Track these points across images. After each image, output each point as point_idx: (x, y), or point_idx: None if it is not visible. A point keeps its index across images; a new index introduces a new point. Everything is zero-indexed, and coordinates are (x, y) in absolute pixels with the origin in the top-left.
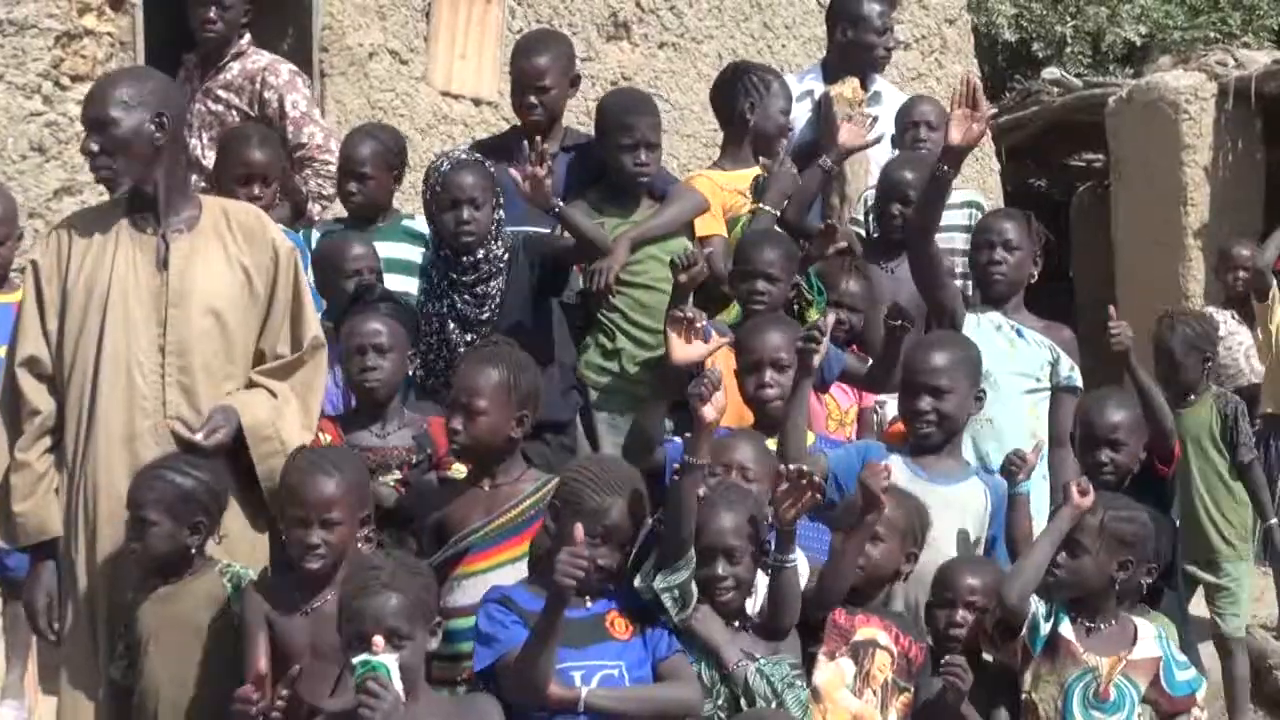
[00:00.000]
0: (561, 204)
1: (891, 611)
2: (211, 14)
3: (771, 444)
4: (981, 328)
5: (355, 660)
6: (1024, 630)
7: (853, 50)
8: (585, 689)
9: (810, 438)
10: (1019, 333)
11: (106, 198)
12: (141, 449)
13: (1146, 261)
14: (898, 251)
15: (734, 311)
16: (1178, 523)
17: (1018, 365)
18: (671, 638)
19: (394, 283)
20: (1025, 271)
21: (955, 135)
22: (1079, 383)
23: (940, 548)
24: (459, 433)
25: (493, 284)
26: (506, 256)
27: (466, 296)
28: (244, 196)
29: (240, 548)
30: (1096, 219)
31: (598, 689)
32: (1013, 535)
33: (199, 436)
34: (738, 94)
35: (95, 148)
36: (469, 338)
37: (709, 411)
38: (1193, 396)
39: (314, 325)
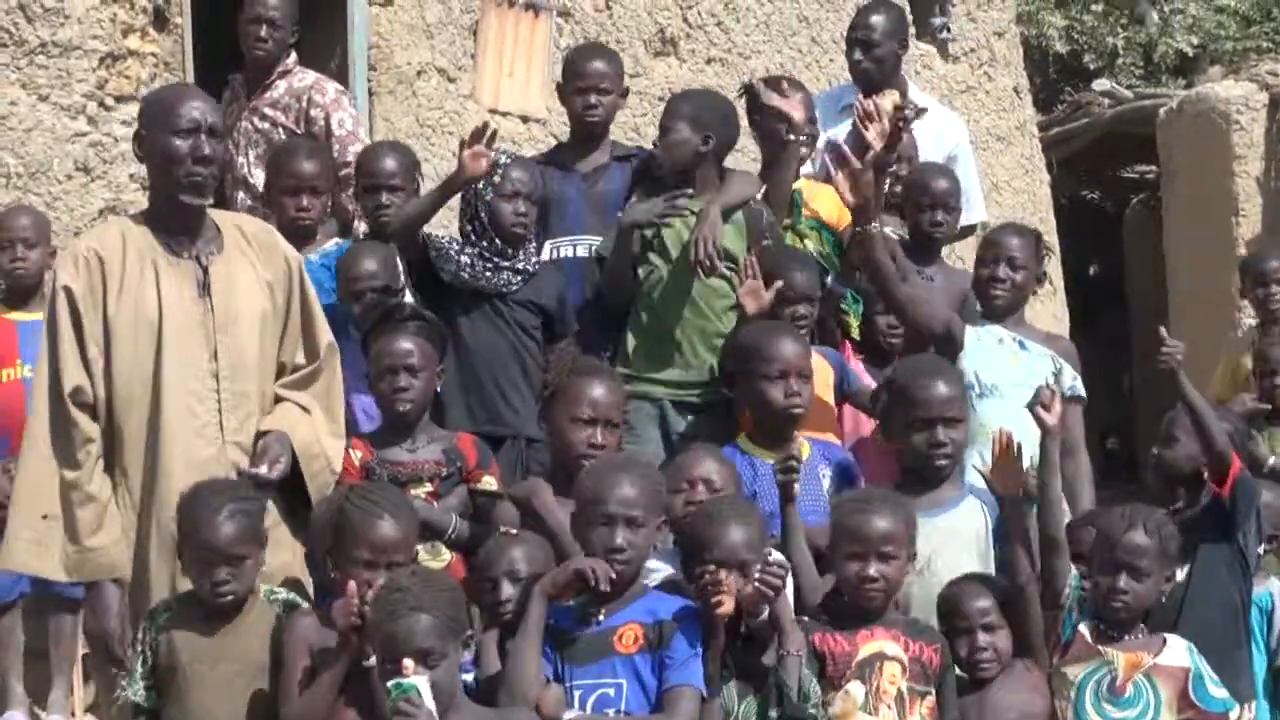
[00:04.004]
0: None
1: (901, 618)
2: (262, 32)
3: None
4: (982, 341)
5: (389, 685)
6: (1064, 601)
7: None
8: (567, 715)
9: (806, 448)
10: (1021, 345)
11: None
12: (206, 476)
13: (1198, 272)
14: (932, 257)
15: None
16: (1263, 550)
17: (1023, 377)
18: (688, 667)
19: None
20: (1028, 289)
21: (848, 197)
22: (1082, 392)
23: (943, 580)
24: (605, 447)
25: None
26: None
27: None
28: (293, 208)
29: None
30: (1150, 231)
31: (576, 714)
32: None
33: (263, 470)
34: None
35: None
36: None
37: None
38: None
39: (326, 331)
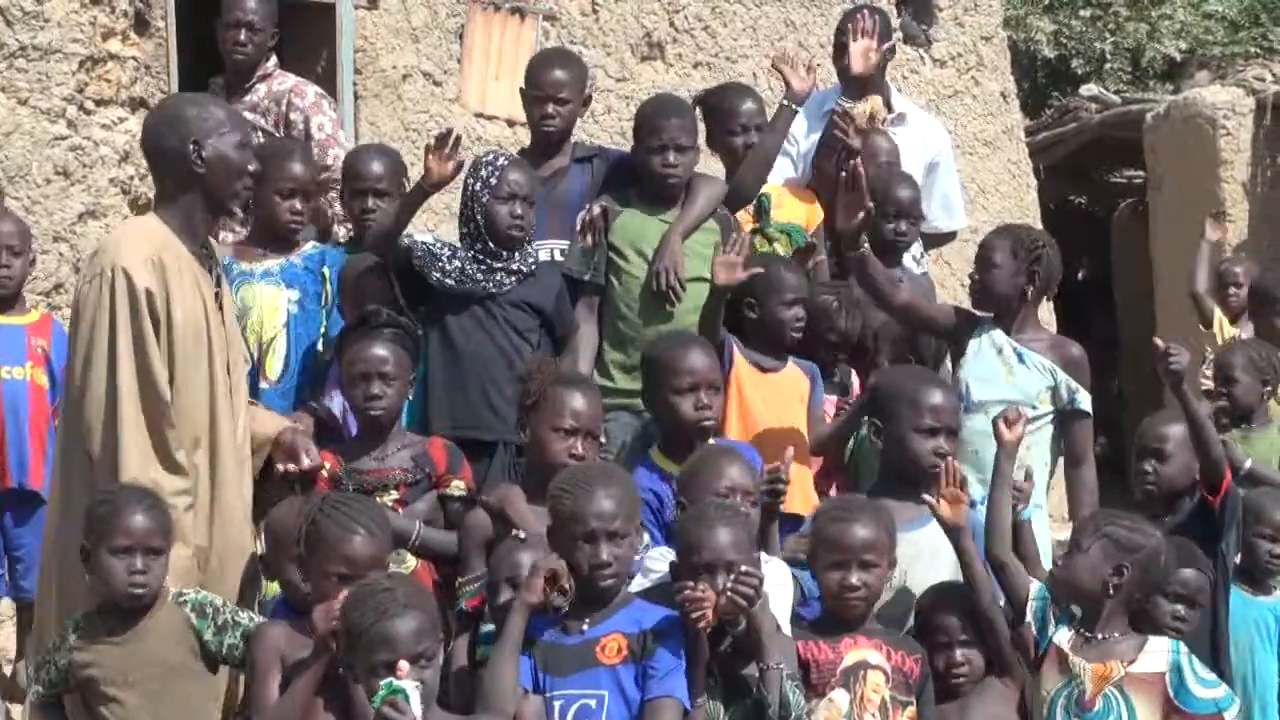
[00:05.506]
0: None
1: (881, 628)
2: (241, 36)
3: None
4: (983, 350)
5: (381, 683)
6: (1029, 616)
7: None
8: None
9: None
10: (1020, 357)
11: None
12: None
13: (1185, 277)
14: (894, 263)
15: None
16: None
17: (1012, 393)
18: (671, 678)
19: None
20: (1010, 286)
21: (841, 221)
22: (1084, 406)
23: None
24: (585, 457)
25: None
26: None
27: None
28: (288, 211)
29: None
30: (1137, 235)
31: None
32: (1023, 559)
33: (306, 462)
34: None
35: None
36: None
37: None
38: (1255, 423)
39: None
